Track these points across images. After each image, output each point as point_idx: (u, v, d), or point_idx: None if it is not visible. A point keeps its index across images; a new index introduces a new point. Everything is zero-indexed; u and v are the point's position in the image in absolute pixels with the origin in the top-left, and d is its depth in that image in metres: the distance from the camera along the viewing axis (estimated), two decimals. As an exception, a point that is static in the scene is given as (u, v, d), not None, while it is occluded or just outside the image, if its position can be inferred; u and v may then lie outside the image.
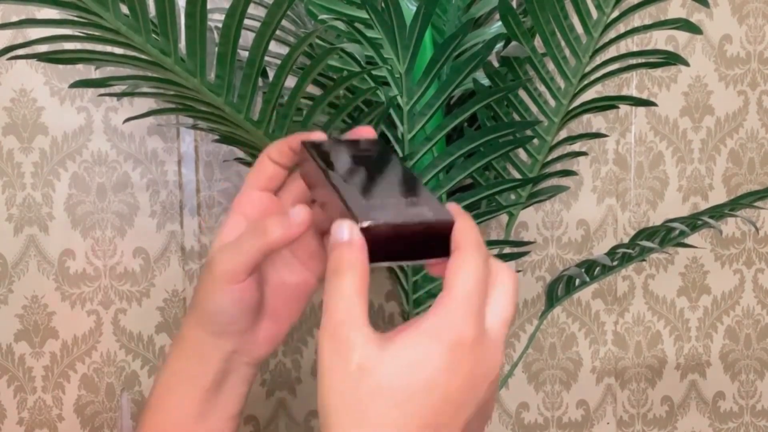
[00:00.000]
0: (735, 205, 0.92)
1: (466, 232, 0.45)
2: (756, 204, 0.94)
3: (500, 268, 0.46)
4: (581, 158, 1.16)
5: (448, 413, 0.43)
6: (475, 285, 0.43)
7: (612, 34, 0.82)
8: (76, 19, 0.64)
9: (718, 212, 0.92)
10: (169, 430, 0.59)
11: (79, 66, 1.01)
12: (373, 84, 0.77)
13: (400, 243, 0.45)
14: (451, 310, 0.43)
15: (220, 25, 0.68)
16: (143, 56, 0.67)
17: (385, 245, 0.44)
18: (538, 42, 0.81)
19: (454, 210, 0.46)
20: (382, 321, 1.14)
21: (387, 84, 0.76)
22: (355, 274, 0.43)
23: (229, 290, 0.55)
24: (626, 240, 1.18)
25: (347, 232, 0.44)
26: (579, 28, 0.80)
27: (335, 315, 0.43)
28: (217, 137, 0.89)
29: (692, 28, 0.79)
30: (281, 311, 0.60)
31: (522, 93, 0.85)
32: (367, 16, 0.75)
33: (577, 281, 0.95)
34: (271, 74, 0.75)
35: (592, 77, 0.83)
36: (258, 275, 0.57)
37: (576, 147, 1.05)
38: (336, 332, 0.43)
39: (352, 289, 0.43)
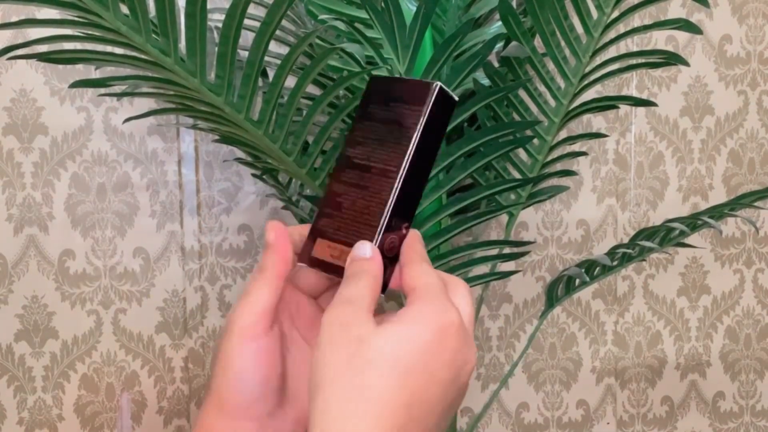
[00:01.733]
0: (735, 205, 0.92)
1: (414, 245, 0.51)
2: (756, 204, 0.94)
3: (451, 277, 0.51)
4: (581, 158, 1.16)
5: (434, 391, 0.45)
6: (440, 283, 0.49)
7: (612, 34, 0.82)
8: (76, 19, 0.64)
9: (718, 212, 0.92)
10: None
11: (79, 66, 1.01)
12: (373, 84, 0.77)
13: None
14: (435, 299, 0.47)
15: (220, 25, 0.68)
16: (143, 56, 0.67)
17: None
18: (538, 42, 0.81)
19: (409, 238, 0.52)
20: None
21: (387, 84, 0.76)
22: (371, 280, 0.48)
23: (250, 348, 0.51)
24: (626, 240, 1.18)
25: (370, 251, 0.50)
26: (579, 28, 0.80)
27: (344, 301, 0.47)
28: (217, 137, 0.89)
29: (692, 28, 0.79)
30: (304, 396, 0.53)
31: (522, 93, 0.85)
32: (367, 16, 0.75)
33: (577, 281, 0.95)
34: (271, 74, 0.75)
35: (592, 77, 0.83)
36: (280, 340, 0.53)
37: (576, 147, 1.05)
38: (342, 311, 0.46)
39: (365, 288, 0.48)
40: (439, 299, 0.48)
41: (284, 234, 0.52)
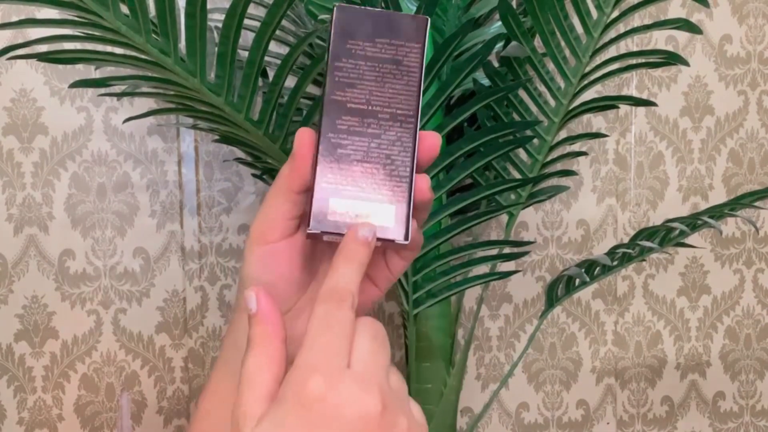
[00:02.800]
0: (735, 205, 0.92)
1: (329, 277, 0.46)
2: (756, 204, 0.94)
3: (361, 318, 0.46)
4: (581, 158, 1.16)
5: None
6: (324, 335, 0.44)
7: (612, 34, 0.82)
8: (76, 19, 0.64)
9: (718, 212, 0.92)
10: (214, 422, 0.56)
11: (79, 66, 1.01)
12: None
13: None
14: (295, 368, 0.43)
15: (220, 25, 0.68)
16: (143, 56, 0.67)
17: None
18: (538, 42, 0.81)
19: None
20: (382, 321, 1.14)
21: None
22: (260, 349, 0.44)
23: (259, 252, 0.54)
24: (626, 240, 1.18)
25: (254, 303, 0.45)
26: (579, 28, 0.80)
27: (238, 394, 0.44)
28: (217, 137, 0.89)
29: (692, 28, 0.79)
30: None
31: (522, 93, 0.85)
32: (367, 16, 0.74)
33: (577, 281, 0.95)
34: (271, 74, 0.75)
35: (592, 77, 0.84)
36: (297, 248, 0.54)
37: (576, 147, 1.05)
38: (233, 413, 0.44)
39: (253, 366, 0.44)
40: (300, 367, 0.45)
41: (310, 148, 0.49)
